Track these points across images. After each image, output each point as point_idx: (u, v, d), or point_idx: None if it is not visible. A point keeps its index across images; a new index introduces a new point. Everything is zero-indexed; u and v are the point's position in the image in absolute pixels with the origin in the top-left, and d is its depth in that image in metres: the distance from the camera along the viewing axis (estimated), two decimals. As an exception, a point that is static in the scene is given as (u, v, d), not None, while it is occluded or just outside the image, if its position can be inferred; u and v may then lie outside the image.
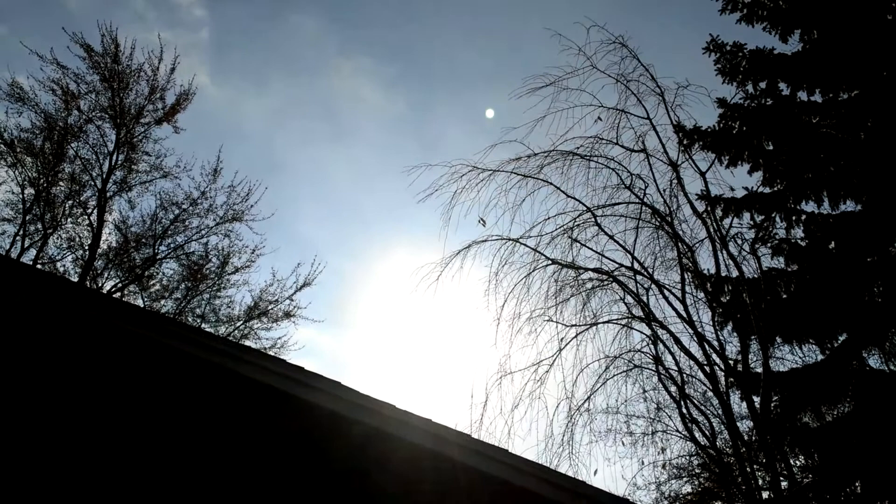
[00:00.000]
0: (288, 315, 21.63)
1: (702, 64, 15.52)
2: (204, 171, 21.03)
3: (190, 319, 20.88)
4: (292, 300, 21.70)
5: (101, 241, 20.29)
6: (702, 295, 13.83)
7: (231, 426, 5.81)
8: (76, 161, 20.21)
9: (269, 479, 5.56)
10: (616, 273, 13.87)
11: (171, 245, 20.98)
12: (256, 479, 5.55)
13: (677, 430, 13.99)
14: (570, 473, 10.82)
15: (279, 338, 21.90)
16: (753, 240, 13.91)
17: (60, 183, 20.21)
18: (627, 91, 14.20)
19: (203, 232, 21.09)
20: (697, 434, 13.37)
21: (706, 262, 14.46)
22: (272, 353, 14.46)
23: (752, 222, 14.46)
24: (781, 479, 11.85)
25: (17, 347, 5.73)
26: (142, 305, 19.28)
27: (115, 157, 20.52)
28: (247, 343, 17.85)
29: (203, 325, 20.61)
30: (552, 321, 13.65)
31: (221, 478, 5.53)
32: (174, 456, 5.53)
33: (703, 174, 14.19)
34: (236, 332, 21.17)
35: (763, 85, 15.23)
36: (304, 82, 31.48)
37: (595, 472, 12.91)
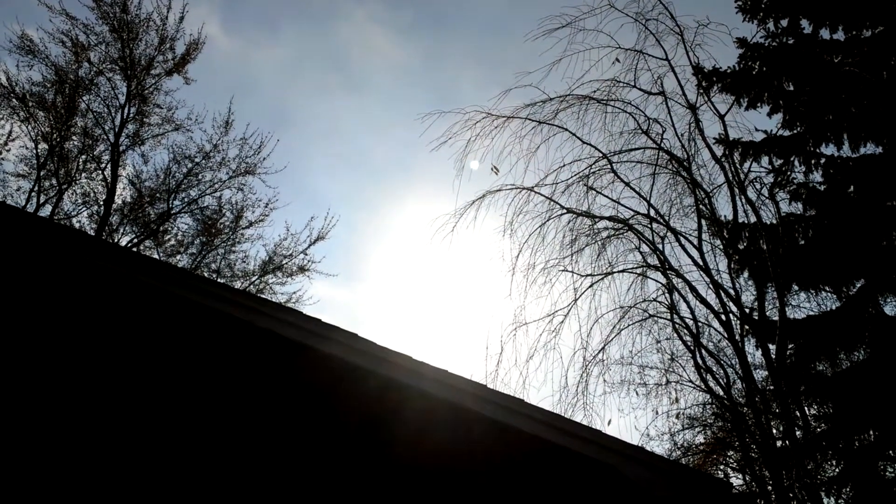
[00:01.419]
0: (302, 269, 21.78)
1: (722, 1, 15.19)
2: (215, 124, 21.00)
3: (205, 275, 21.09)
4: (306, 254, 21.83)
5: (116, 197, 20.43)
6: (718, 242, 13.80)
7: (248, 378, 5.91)
8: (88, 115, 20.21)
9: (285, 430, 5.68)
10: (632, 221, 13.86)
11: (185, 199, 21.09)
12: (273, 431, 5.67)
13: (691, 381, 14.15)
14: (584, 423, 10.97)
15: (294, 292, 22.11)
16: (772, 184, 13.78)
17: (73, 137, 20.25)
18: (646, 31, 13.99)
19: (216, 186, 21.16)
20: (712, 383, 13.52)
21: (724, 209, 14.39)
22: (290, 307, 14.64)
23: (770, 166, 14.29)
24: (796, 428, 11.96)
25: (36, 302, 5.83)
26: (158, 259, 19.45)
27: (126, 110, 20.52)
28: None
29: (219, 280, 20.83)
30: (567, 271, 13.73)
31: (239, 429, 5.66)
32: (193, 409, 5.66)
33: (721, 117, 14.02)
34: (251, 286, 21.40)
35: (784, 23, 14.85)
36: (315, 30, 31.05)
37: (609, 422, 13.13)
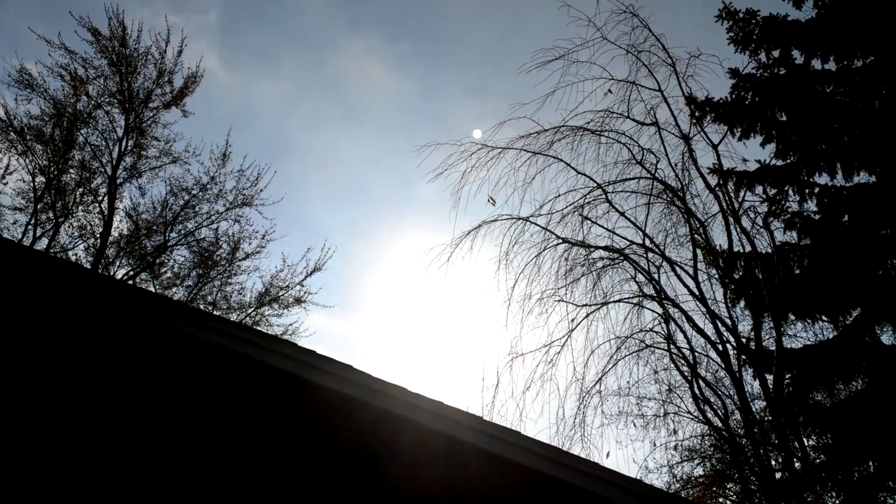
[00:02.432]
0: (299, 301, 21.73)
1: (714, 33, 15.33)
2: (213, 156, 21.08)
3: (202, 307, 21.01)
4: (303, 286, 21.79)
5: (113, 229, 20.43)
6: (714, 271, 13.80)
7: (242, 410, 5.86)
8: (86, 148, 20.28)
9: (280, 462, 5.62)
10: (627, 251, 13.86)
11: (182, 231, 21.09)
12: (267, 463, 5.61)
13: (689, 412, 14.04)
14: (582, 456, 10.87)
15: (290, 324, 21.99)
16: (766, 213, 13.84)
17: (71, 170, 20.30)
18: (638, 62, 14.10)
19: (213, 217, 21.17)
20: (710, 414, 13.41)
21: (718, 238, 14.42)
22: (286, 339, 14.57)
23: (764, 196, 14.36)
24: (795, 459, 11.86)
25: (32, 337, 5.80)
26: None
27: (124, 143, 20.58)
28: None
29: (214, 313, 20.75)
30: (563, 301, 13.69)
31: (233, 461, 5.60)
32: (186, 441, 5.60)
33: (715, 147, 14.10)
34: (248, 318, 21.32)
35: (776, 53, 15.01)
36: (313, 62, 31.35)
37: (607, 455, 12.98)
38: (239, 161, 25.04)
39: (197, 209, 21.06)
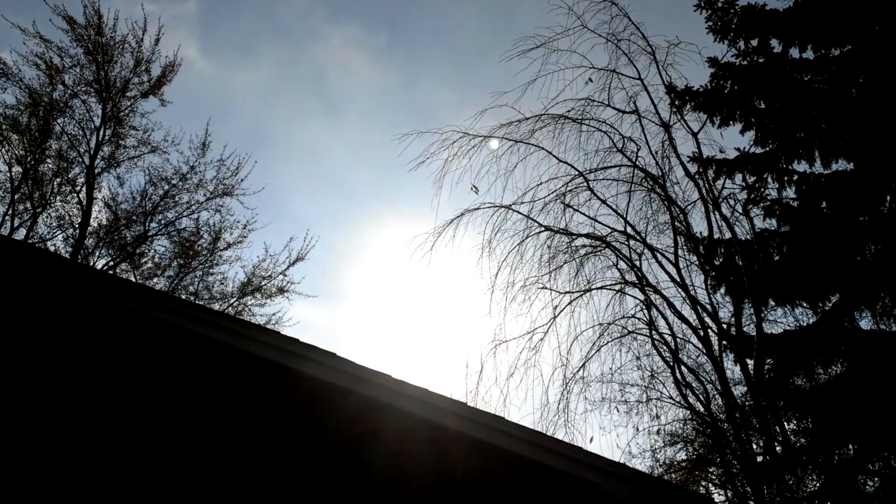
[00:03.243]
0: (281, 291, 21.63)
1: (693, 23, 15.41)
2: (192, 145, 20.82)
3: (183, 297, 20.86)
4: (285, 275, 21.68)
5: (92, 219, 20.19)
6: (694, 258, 13.90)
7: (226, 399, 5.83)
8: (63, 137, 20.00)
9: (265, 451, 5.60)
10: (609, 238, 13.92)
11: (162, 222, 20.89)
12: (252, 452, 5.59)
13: (671, 397, 14.20)
14: (566, 441, 10.94)
15: (273, 314, 21.89)
16: (746, 201, 13.94)
17: (48, 160, 20.03)
18: (618, 51, 14.12)
19: (193, 207, 20.98)
20: (692, 399, 13.56)
21: (699, 226, 14.53)
22: (269, 328, 14.51)
23: (744, 183, 14.44)
24: (776, 443, 12.02)
25: (11, 327, 5.72)
26: (134, 283, 19.24)
27: (102, 133, 20.32)
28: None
29: (196, 302, 20.61)
30: (546, 289, 13.75)
31: (217, 451, 5.57)
32: (169, 431, 5.56)
33: (695, 135, 14.18)
34: (230, 308, 21.20)
35: (755, 42, 15.06)
36: (293, 53, 31.15)
37: (591, 440, 13.10)
38: (219, 151, 24.77)
39: (177, 199, 20.88)
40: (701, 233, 14.05)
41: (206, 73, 28.42)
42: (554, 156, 13.97)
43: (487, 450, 5.50)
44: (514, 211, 13.85)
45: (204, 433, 5.64)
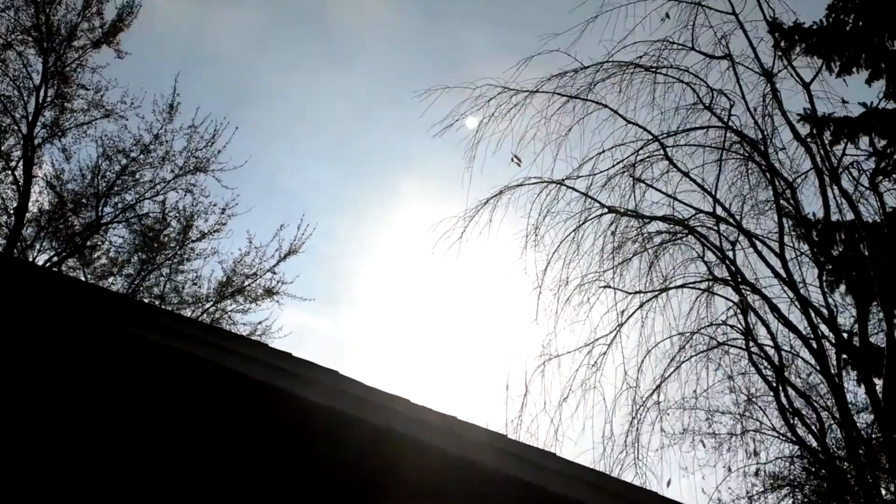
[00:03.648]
0: (270, 293, 21.85)
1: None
2: (157, 108, 21.10)
3: (146, 301, 21.12)
4: (275, 273, 21.92)
5: (31, 203, 20.51)
6: (805, 247, 13.74)
7: (210, 428, 5.90)
8: (-9, 100, 20.35)
9: (258, 490, 5.65)
10: (693, 222, 13.84)
11: (119, 206, 21.18)
12: (243, 489, 5.65)
13: (773, 428, 14.08)
14: (636, 484, 10.93)
15: (260, 322, 22.17)
16: (874, 171, 13.72)
17: (-26, 130, 20.40)
18: (705, -24, 13.98)
19: (159, 188, 21.26)
20: (801, 430, 13.42)
21: (811, 204, 14.29)
22: (256, 340, 14.66)
23: (871, 149, 14.24)
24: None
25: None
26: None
27: (42, 93, 20.63)
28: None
29: (164, 307, 20.85)
30: (610, 288, 13.68)
31: (201, 488, 5.64)
32: (145, 466, 5.64)
33: (806, 86, 13.98)
34: (205, 316, 21.44)
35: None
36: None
37: (668, 484, 13.00)
38: (190, 114, 24.88)
39: (137, 177, 21.19)
40: (814, 214, 13.91)
41: (174, 14, 28.63)
42: (620, 115, 13.91)
43: (533, 493, 5.49)
44: (567, 188, 13.83)
45: (188, 466, 5.71)
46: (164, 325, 5.75)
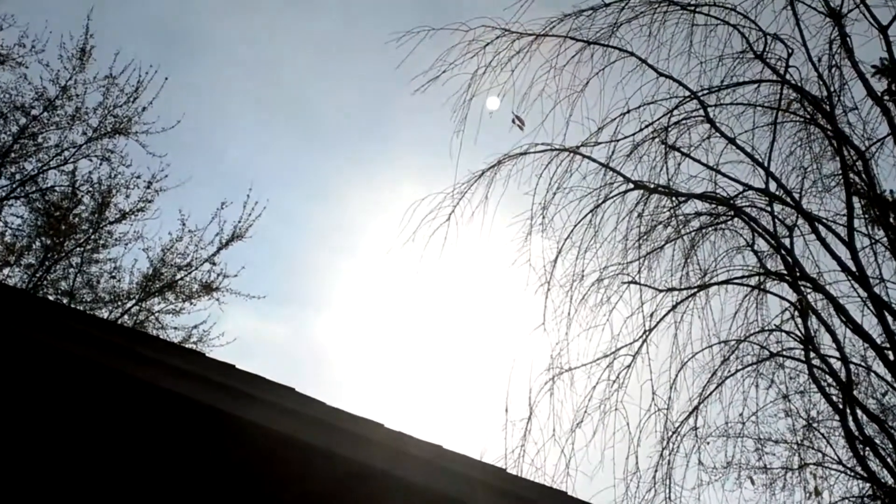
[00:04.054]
0: (208, 288, 21.82)
1: None
2: (65, 53, 20.98)
3: (51, 297, 21.05)
4: (214, 264, 21.90)
5: None
6: (881, 234, 13.76)
7: (126, 461, 5.91)
8: None
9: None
10: (740, 201, 13.85)
11: (17, 177, 21.07)
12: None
13: (839, 461, 14.08)
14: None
15: (195, 326, 22.14)
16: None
17: None
18: None
19: (67, 154, 21.17)
20: (874, 464, 13.41)
21: (889, 180, 14.41)
22: (188, 348, 14.62)
23: (965, 109, 14.30)
24: None
25: None
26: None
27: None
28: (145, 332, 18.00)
29: (75, 307, 20.81)
30: (636, 284, 13.68)
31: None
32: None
33: (884, 30, 13.95)
34: (126, 317, 21.38)
35: None
36: None
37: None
38: (107, 61, 24.77)
39: (40, 140, 21.06)
40: (892, 191, 13.92)
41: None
42: (649, 65, 13.94)
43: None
44: (583, 157, 13.84)
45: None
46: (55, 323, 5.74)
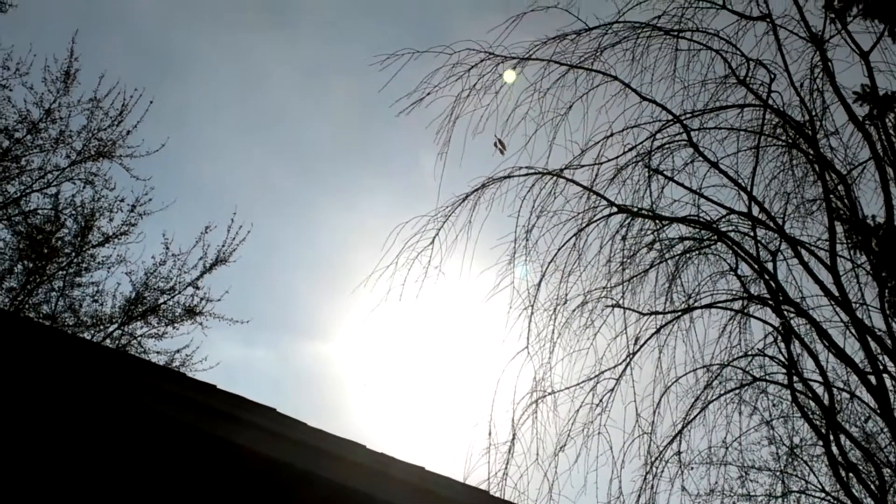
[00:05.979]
0: (191, 312, 21.77)
1: None
2: (49, 76, 20.94)
3: (34, 318, 20.92)
4: (198, 288, 21.85)
5: None
6: (863, 258, 13.79)
7: (105, 480, 5.84)
8: None
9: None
10: (723, 225, 13.86)
11: (-1, 199, 20.99)
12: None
13: (822, 489, 14.09)
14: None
15: (178, 350, 22.04)
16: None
17: None
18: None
19: (50, 177, 21.10)
20: (858, 491, 13.41)
21: (871, 204, 14.40)
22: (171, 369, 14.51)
23: (946, 135, 14.35)
24: None
25: None
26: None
27: None
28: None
29: (53, 326, 20.68)
30: (619, 308, 13.67)
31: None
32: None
33: (865, 56, 14.05)
34: (109, 340, 21.27)
35: None
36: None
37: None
38: (92, 83, 24.69)
39: (23, 163, 20.98)
40: (874, 216, 13.95)
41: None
42: (633, 89, 13.96)
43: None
44: (566, 180, 13.83)
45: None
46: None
